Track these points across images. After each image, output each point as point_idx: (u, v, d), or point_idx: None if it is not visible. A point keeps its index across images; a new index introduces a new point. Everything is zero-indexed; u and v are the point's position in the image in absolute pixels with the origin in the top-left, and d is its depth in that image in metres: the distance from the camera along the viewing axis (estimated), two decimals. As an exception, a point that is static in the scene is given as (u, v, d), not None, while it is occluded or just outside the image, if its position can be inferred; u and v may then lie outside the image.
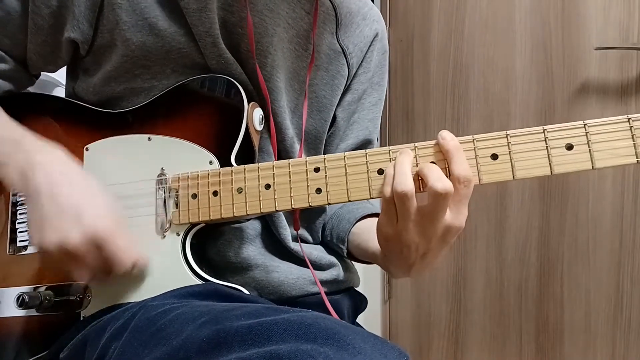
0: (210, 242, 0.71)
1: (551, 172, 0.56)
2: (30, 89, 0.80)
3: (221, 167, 0.66)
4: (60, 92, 0.90)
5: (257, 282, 0.71)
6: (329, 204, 0.62)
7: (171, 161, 0.68)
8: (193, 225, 0.67)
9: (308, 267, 0.74)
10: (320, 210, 0.81)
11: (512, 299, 1.75)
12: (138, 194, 0.68)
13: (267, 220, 0.74)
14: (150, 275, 0.66)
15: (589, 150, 0.56)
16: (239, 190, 0.64)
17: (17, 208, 0.73)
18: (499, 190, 1.74)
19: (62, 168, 0.63)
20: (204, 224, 0.67)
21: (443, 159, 0.58)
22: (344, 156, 0.61)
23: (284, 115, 0.74)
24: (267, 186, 0.63)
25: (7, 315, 0.70)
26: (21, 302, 0.66)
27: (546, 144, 0.57)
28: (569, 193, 1.67)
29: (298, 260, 0.75)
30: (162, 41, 0.69)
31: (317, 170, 0.62)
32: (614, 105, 1.62)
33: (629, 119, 0.55)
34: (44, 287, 0.69)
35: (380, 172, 0.60)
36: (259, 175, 0.64)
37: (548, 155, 0.56)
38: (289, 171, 0.63)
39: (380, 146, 0.73)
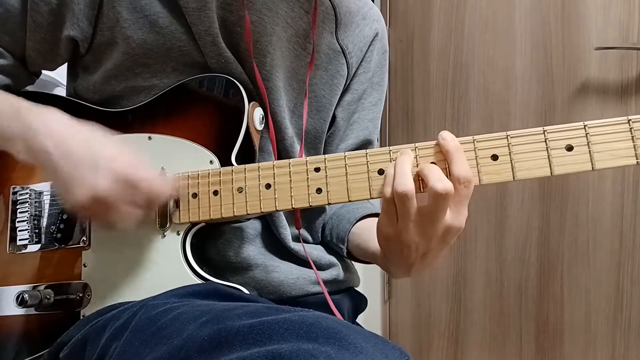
0: (210, 241, 0.71)
1: (551, 172, 0.56)
2: (30, 89, 0.80)
3: (222, 166, 0.66)
4: (60, 92, 0.90)
5: (257, 281, 0.71)
6: (329, 203, 0.62)
7: (172, 160, 0.68)
8: (193, 224, 0.67)
9: (308, 267, 0.74)
10: (320, 210, 0.81)
11: (512, 299, 1.75)
12: (138, 193, 0.68)
13: (267, 220, 0.74)
14: (150, 274, 0.66)
15: (589, 151, 0.56)
16: (240, 190, 0.64)
17: (17, 207, 0.73)
18: (499, 190, 1.74)
19: (61, 126, 0.63)
20: (204, 224, 0.67)
21: (443, 159, 0.58)
22: (345, 156, 0.61)
23: (283, 114, 0.74)
24: (268, 186, 0.63)
25: (7, 314, 0.70)
26: (21, 301, 0.66)
27: (546, 144, 0.57)
28: (569, 193, 1.67)
29: (298, 260, 0.75)
30: (163, 39, 0.69)
31: (317, 170, 0.62)
32: (614, 105, 1.62)
33: (628, 120, 0.55)
34: (44, 286, 0.69)
35: (381, 172, 0.60)
36: (259, 175, 0.64)
37: (548, 156, 0.56)
38: (290, 171, 0.63)
39: (381, 146, 0.73)
